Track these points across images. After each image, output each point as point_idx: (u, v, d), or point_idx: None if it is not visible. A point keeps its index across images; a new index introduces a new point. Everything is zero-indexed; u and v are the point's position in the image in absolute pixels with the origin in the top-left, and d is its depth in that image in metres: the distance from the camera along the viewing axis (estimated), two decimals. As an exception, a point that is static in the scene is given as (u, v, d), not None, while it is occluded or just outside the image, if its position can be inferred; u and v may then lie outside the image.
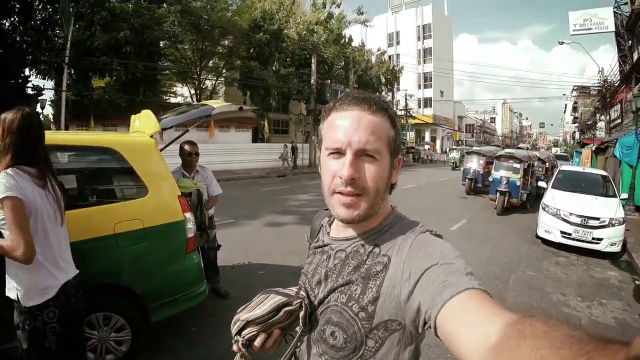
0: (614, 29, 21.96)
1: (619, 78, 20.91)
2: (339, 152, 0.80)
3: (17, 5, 15.18)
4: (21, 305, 1.77)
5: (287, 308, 0.85)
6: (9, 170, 1.70)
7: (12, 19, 15.59)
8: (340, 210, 0.81)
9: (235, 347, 0.87)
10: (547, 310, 4.69)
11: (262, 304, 0.87)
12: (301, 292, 0.89)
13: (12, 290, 1.78)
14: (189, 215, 3.09)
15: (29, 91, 16.67)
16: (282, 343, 0.90)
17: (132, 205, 2.80)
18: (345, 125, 0.80)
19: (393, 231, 0.84)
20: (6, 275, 1.79)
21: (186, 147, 4.11)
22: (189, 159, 4.14)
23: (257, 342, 0.85)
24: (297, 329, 0.86)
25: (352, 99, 0.83)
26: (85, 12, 18.00)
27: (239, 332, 0.86)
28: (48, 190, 1.81)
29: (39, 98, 17.47)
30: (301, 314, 0.85)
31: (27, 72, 16.98)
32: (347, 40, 31.06)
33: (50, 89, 18.43)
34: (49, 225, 1.80)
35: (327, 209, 0.91)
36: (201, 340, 3.47)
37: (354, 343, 0.79)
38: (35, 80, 18.01)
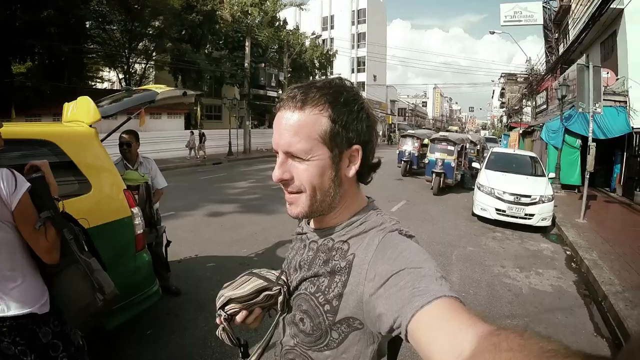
0: (542, 22, 23.56)
1: (545, 68, 22.53)
2: (277, 153, 0.81)
3: None
4: None
5: (266, 292, 0.87)
6: None
7: None
8: (287, 206, 0.83)
9: (217, 321, 0.89)
10: (490, 282, 5.03)
11: (244, 285, 0.88)
12: (282, 277, 0.90)
13: None
14: (136, 210, 2.90)
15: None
16: (266, 318, 0.93)
17: (75, 203, 2.49)
18: (276, 127, 0.80)
19: (362, 227, 0.82)
20: None
21: (121, 136, 3.86)
22: (120, 150, 3.89)
23: (239, 318, 0.87)
24: (277, 309, 0.90)
25: (285, 97, 0.80)
26: (5, -13, 15.98)
27: (222, 307, 0.88)
28: None
29: None
30: (280, 299, 0.87)
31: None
32: (281, 23, 30.43)
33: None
34: None
35: None
36: (161, 341, 3.31)
37: (319, 332, 0.80)
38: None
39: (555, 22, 21.61)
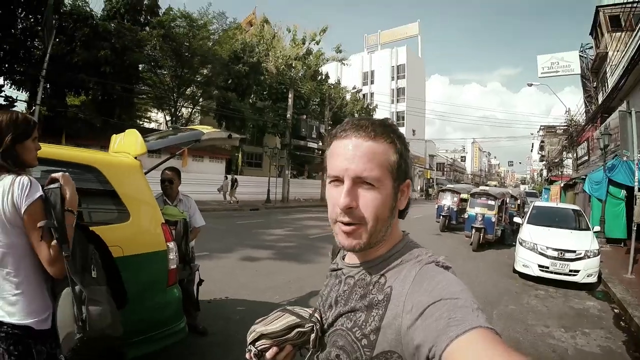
0: (579, 72, 23.32)
1: (585, 118, 22.03)
2: (338, 180, 0.80)
3: (-1, 12, 14.60)
4: None
5: (299, 329, 0.87)
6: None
7: (-8, 26, 14.89)
8: (342, 238, 0.81)
9: (247, 356, 0.88)
10: (534, 343, 4.68)
11: (277, 322, 0.89)
12: (315, 315, 0.90)
13: None
14: (172, 245, 2.89)
15: (1, 101, 15.95)
16: (298, 356, 0.92)
17: (111, 231, 2.53)
18: (343, 153, 0.79)
19: (400, 260, 0.83)
20: None
21: (164, 172, 3.95)
22: (162, 186, 3.97)
23: (269, 354, 0.87)
24: (309, 347, 0.89)
25: (352, 126, 0.81)
26: (68, 27, 17.54)
27: (253, 342, 0.88)
28: None
29: (11, 109, 16.66)
30: (312, 336, 0.87)
31: (0, 80, 16.35)
32: (323, 77, 31.64)
33: (23, 101, 17.64)
34: None
35: None
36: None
37: None
38: (8, 90, 17.22)
39: (593, 71, 21.43)
